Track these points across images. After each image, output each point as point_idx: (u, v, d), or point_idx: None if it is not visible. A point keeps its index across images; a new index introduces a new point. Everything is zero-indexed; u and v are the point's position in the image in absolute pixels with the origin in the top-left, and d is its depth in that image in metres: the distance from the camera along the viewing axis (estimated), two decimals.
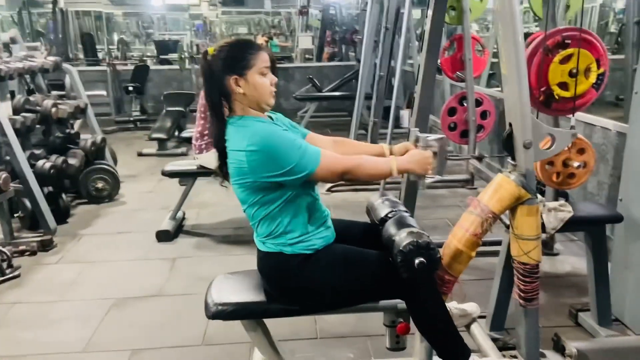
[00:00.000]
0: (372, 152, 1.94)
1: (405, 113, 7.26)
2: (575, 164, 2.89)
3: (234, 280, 2.00)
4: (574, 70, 2.76)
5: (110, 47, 12.03)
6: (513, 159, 1.91)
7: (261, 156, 1.60)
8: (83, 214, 4.20)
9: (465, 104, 4.50)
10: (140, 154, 6.08)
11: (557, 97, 2.83)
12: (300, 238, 1.73)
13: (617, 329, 2.31)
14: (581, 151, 2.91)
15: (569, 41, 2.78)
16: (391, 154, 1.93)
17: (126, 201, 4.49)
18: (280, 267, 1.74)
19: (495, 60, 5.82)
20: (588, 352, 2.10)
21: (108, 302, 2.81)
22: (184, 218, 3.94)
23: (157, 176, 5.08)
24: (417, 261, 1.65)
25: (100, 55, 10.76)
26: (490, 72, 5.73)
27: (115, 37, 13.17)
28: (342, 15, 11.57)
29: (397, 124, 7.23)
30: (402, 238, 1.70)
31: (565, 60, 2.77)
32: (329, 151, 1.72)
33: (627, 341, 2.28)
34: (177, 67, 8.84)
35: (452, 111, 4.52)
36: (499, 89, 4.97)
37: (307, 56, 10.27)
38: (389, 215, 1.93)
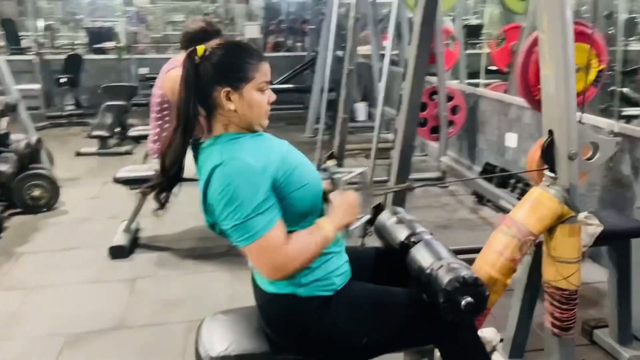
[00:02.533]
0: None
1: (360, 106, 7.04)
2: None
3: (228, 322, 1.67)
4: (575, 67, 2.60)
5: (33, 34, 11.02)
6: (552, 171, 1.68)
7: (216, 195, 1.30)
8: (18, 227, 3.66)
9: (435, 99, 4.32)
10: (78, 154, 5.50)
11: None
12: (318, 275, 1.42)
13: (638, 346, 2.16)
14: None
15: None
16: None
17: (68, 210, 3.98)
18: (294, 313, 1.42)
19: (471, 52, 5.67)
20: None
21: (59, 339, 2.37)
22: (138, 229, 3.51)
23: (101, 179, 4.61)
24: (464, 302, 1.39)
25: (24, 43, 9.82)
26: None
27: (39, 24, 12.12)
28: (287, 4, 11.19)
29: (352, 117, 7.03)
30: (442, 273, 1.43)
31: None
32: (283, 237, 1.32)
33: None
34: (113, 56, 8.19)
35: (422, 106, 4.32)
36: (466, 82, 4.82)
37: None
38: (412, 240, 1.65)
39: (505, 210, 3.63)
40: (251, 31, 8.34)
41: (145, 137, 4.39)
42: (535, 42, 2.63)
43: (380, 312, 1.46)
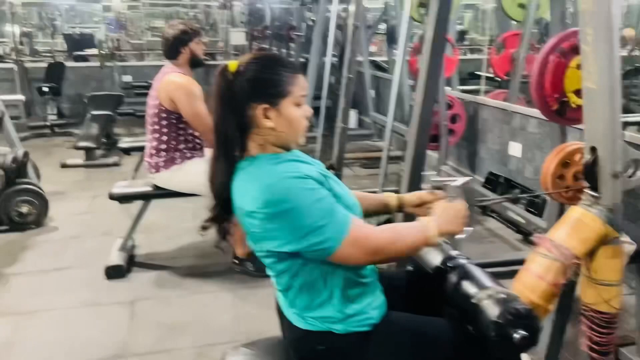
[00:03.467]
0: (376, 202, 1.56)
1: (350, 114, 6.95)
2: None
3: (253, 357, 1.54)
4: None
5: (5, 40, 10.69)
6: (594, 189, 1.60)
7: (275, 220, 1.20)
8: (6, 245, 3.47)
9: (434, 107, 4.25)
10: (64, 165, 5.29)
11: (573, 105, 2.60)
12: (355, 309, 1.31)
13: None
14: None
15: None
16: (400, 205, 1.57)
17: (58, 226, 3.80)
18: (332, 352, 1.32)
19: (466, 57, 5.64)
20: None
21: None
22: (134, 246, 3.35)
23: (90, 192, 4.44)
24: (517, 336, 1.29)
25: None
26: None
27: (12, 30, 11.79)
28: (272, 10, 11.07)
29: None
30: (491, 304, 1.33)
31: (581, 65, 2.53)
32: (359, 219, 1.29)
33: None
34: (95, 64, 7.98)
35: None
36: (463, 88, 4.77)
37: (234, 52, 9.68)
38: (449, 265, 1.55)
39: (510, 222, 3.58)
40: (237, 38, 8.21)
41: (136, 149, 4.25)
42: (551, 50, 2.57)
43: (423, 348, 1.37)
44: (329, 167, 4.05)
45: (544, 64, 2.60)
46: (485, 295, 1.36)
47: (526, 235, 3.41)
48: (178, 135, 2.95)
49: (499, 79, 4.48)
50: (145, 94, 7.26)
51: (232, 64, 1.27)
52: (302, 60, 7.73)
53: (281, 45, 9.63)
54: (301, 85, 1.29)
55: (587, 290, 1.66)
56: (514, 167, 3.82)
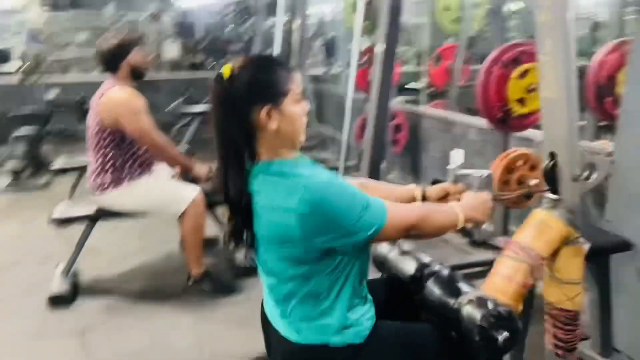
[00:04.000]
0: (401, 195, 1.60)
1: None
2: (533, 181, 2.81)
3: None
4: (533, 86, 2.70)
5: None
6: (555, 192, 1.69)
7: (318, 218, 1.18)
8: None
9: None
10: None
11: (516, 113, 2.75)
12: (351, 320, 1.32)
13: (619, 357, 2.23)
14: (533, 168, 2.85)
15: (524, 56, 2.71)
16: (424, 197, 1.61)
17: None
18: None
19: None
20: None
21: None
22: (76, 272, 3.16)
23: (20, 217, 4.18)
24: (501, 337, 1.33)
25: None
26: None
27: None
28: (204, 23, 10.92)
29: None
30: (473, 309, 1.37)
31: (523, 75, 2.69)
32: (392, 202, 1.33)
33: None
34: (13, 81, 7.51)
35: (365, 126, 4.33)
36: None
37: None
38: (425, 272, 1.58)
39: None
40: (171, 50, 8.02)
41: (72, 169, 4.05)
42: (494, 62, 2.70)
43: (412, 356, 1.38)
44: None
45: (487, 75, 2.74)
46: (466, 300, 1.40)
47: (472, 238, 3.53)
48: (124, 153, 2.83)
49: (436, 90, 4.63)
50: (73, 111, 6.89)
51: (226, 69, 1.25)
52: None
53: (216, 59, 9.52)
54: (297, 82, 1.29)
55: (550, 289, 1.75)
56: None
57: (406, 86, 5.02)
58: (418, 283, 1.57)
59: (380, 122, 2.68)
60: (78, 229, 3.12)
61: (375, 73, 2.67)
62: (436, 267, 1.61)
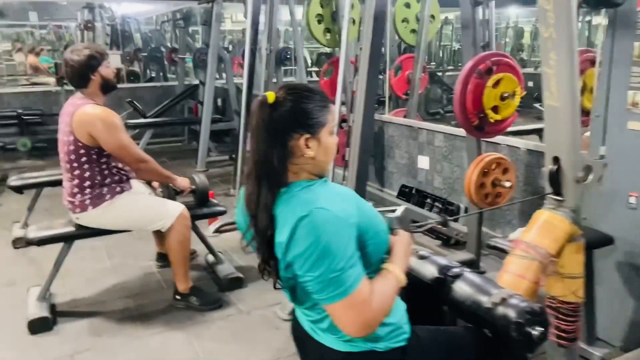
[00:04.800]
0: None
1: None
2: (507, 183, 3.00)
3: None
4: (506, 94, 2.87)
5: None
6: (557, 194, 1.82)
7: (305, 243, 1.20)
8: None
9: (344, 127, 4.43)
10: None
11: (491, 120, 2.91)
12: (393, 325, 1.37)
13: (601, 345, 2.40)
14: (505, 171, 3.04)
15: (495, 67, 2.88)
16: None
17: None
18: None
19: None
20: None
21: None
22: (51, 295, 3.01)
23: None
24: (536, 332, 1.43)
25: None
26: None
27: None
28: (141, 32, 10.65)
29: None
30: (508, 307, 1.45)
31: (496, 84, 2.85)
32: (369, 290, 1.24)
33: None
34: None
35: None
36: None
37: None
38: (450, 275, 1.67)
39: (430, 229, 3.83)
40: (114, 60, 7.74)
41: (31, 186, 3.87)
42: (470, 72, 2.85)
43: (453, 356, 1.45)
44: None
45: (464, 84, 2.88)
46: (498, 299, 1.49)
47: (445, 240, 3.68)
48: (102, 170, 2.75)
49: (399, 98, 4.78)
50: (9, 125, 6.65)
51: (270, 95, 1.27)
52: (189, 83, 7.58)
53: (159, 68, 9.31)
54: (334, 115, 1.33)
55: (554, 284, 1.88)
56: (423, 179, 4.12)
57: None
58: (443, 284, 1.65)
59: (366, 132, 2.76)
60: (39, 250, 3.00)
61: (361, 82, 2.74)
62: (457, 269, 1.69)
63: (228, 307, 2.90)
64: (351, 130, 2.85)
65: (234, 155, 5.14)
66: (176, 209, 2.82)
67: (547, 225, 1.80)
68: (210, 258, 3.34)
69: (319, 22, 4.23)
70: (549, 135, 1.80)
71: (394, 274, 1.34)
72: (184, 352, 2.53)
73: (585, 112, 3.34)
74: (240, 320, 2.79)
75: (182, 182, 3.02)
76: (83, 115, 2.65)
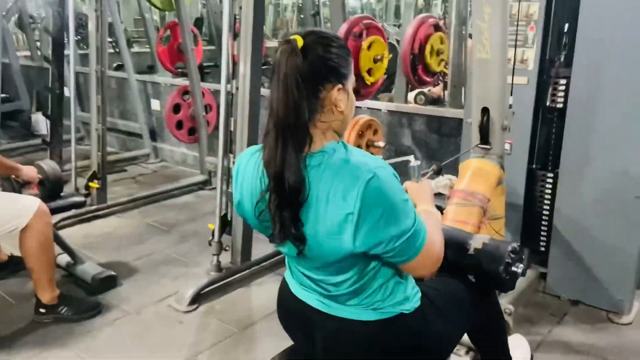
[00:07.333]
0: None
1: (39, 117, 5.94)
2: (381, 143, 3.11)
3: None
4: (378, 57, 2.96)
5: None
6: (485, 143, 1.92)
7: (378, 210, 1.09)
8: None
9: (187, 99, 4.12)
10: None
11: (368, 83, 2.97)
12: (413, 283, 1.34)
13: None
14: (375, 132, 3.16)
15: (366, 30, 2.94)
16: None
17: None
18: (409, 332, 1.29)
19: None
20: None
21: None
22: None
23: None
24: (518, 270, 1.51)
25: None
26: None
27: None
28: None
29: (30, 131, 5.94)
30: (490, 251, 1.50)
31: (369, 47, 2.91)
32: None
33: None
34: None
35: (176, 108, 4.08)
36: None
37: None
38: None
39: None
40: None
41: None
42: (347, 34, 2.84)
43: (456, 305, 1.45)
44: (92, 177, 3.48)
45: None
46: (480, 245, 1.53)
47: None
48: None
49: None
50: None
51: (299, 39, 1.07)
52: None
53: None
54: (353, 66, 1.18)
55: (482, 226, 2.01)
56: None
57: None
58: None
59: (254, 104, 2.57)
60: None
61: (245, 55, 2.51)
62: None
63: (110, 311, 2.48)
64: (235, 98, 2.62)
65: (47, 139, 4.39)
66: (32, 204, 2.29)
67: (480, 172, 1.90)
68: (65, 259, 2.81)
69: None
70: (478, 87, 1.89)
71: (432, 212, 1.37)
72: None
73: (432, 74, 3.68)
74: (131, 322, 2.41)
75: (29, 171, 2.47)
76: None
